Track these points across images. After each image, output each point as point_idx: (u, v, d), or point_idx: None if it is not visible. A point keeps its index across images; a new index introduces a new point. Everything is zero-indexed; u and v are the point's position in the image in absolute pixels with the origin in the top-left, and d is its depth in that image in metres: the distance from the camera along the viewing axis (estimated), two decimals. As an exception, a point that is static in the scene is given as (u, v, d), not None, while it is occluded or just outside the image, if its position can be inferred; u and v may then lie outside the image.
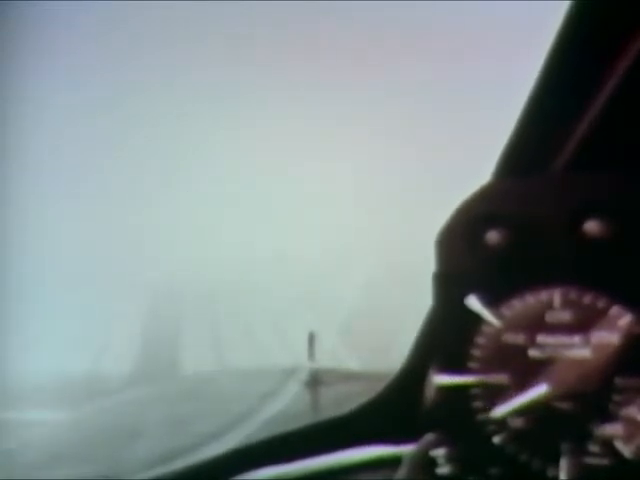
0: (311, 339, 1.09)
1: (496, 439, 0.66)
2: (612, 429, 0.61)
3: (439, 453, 0.68)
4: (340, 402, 0.94)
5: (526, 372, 0.64)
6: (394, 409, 0.86)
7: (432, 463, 0.69)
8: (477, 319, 0.66)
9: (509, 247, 0.65)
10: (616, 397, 0.61)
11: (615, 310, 0.62)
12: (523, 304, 0.65)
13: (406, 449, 0.74)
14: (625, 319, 0.61)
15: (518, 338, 0.65)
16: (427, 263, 0.69)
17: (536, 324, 0.64)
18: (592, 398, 0.62)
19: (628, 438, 0.61)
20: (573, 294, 0.63)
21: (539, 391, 0.63)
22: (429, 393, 0.79)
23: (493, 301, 0.66)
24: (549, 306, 0.64)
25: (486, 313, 0.66)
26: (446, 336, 0.68)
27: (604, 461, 0.62)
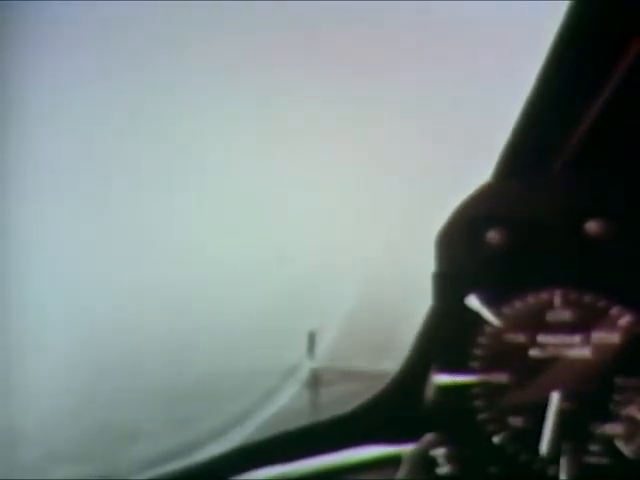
0: (311, 338, 1.09)
1: (496, 439, 0.66)
2: (612, 428, 0.62)
3: (439, 453, 0.68)
4: (340, 401, 0.94)
5: (527, 371, 0.64)
6: (394, 409, 0.86)
7: (432, 463, 0.69)
8: (477, 318, 0.66)
9: (509, 247, 0.65)
10: (616, 396, 0.61)
11: (615, 310, 0.62)
12: (524, 304, 0.65)
13: (406, 449, 0.74)
14: (625, 319, 0.61)
15: (519, 338, 0.65)
16: (427, 263, 0.69)
17: (537, 324, 0.64)
18: (592, 397, 0.62)
19: (628, 437, 0.61)
20: (573, 294, 0.63)
21: (555, 400, 0.63)
22: (429, 392, 0.79)
23: (494, 301, 0.66)
24: (550, 306, 0.64)
25: (486, 312, 0.66)
26: (446, 335, 0.68)
27: (604, 460, 0.62)
